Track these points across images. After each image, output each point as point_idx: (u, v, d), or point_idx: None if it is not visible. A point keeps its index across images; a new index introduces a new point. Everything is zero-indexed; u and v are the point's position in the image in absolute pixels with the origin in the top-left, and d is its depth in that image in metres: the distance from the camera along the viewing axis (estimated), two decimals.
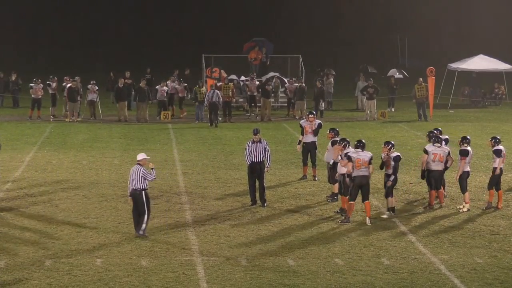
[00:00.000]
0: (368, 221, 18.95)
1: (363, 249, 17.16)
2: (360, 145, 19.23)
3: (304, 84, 38.74)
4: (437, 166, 20.23)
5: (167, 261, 16.14)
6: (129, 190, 17.72)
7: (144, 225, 17.58)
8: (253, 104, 39.35)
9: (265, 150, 20.68)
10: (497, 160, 20.28)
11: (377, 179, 22.86)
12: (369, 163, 19.01)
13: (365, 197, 19.05)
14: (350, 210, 19.09)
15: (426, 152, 20.36)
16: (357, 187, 18.98)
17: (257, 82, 39.39)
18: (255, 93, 39.00)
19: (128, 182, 17.83)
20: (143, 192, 17.53)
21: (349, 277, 15.39)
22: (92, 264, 15.90)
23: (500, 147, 20.51)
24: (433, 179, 20.32)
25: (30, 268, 15.62)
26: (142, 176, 17.42)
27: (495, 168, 20.36)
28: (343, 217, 19.16)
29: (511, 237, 18.18)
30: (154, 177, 17.66)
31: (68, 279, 15.07)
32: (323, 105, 38.88)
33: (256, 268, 15.84)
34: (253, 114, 39.20)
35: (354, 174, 18.98)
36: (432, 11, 70.62)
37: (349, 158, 19.02)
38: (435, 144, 20.32)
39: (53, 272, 15.39)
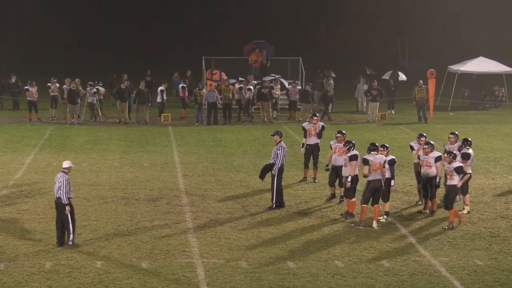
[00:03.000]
0: (375, 224, 18.91)
1: (363, 251, 17.16)
2: (374, 148, 19.09)
3: (309, 87, 38.95)
4: (375, 176, 19.30)
5: (167, 264, 16.15)
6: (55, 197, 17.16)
7: (72, 235, 17.03)
8: (251, 106, 39.36)
9: (274, 153, 20.67)
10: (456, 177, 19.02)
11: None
12: (384, 166, 18.92)
13: (375, 201, 18.92)
14: (363, 213, 18.92)
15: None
16: (371, 190, 18.84)
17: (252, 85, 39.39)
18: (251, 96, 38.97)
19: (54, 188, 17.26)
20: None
21: (349, 279, 15.40)
22: (92, 267, 15.90)
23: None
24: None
25: (30, 270, 15.62)
26: (59, 186, 16.88)
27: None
28: (357, 221, 19.02)
29: (511, 239, 18.17)
30: (66, 200, 16.85)
31: (68, 282, 15.07)
32: (330, 108, 39.18)
33: (256, 270, 15.84)
34: (254, 117, 39.26)
35: (370, 178, 18.80)
36: (432, 13, 70.61)
37: (366, 162, 18.82)
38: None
39: (53, 275, 15.40)
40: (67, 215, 16.95)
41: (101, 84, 38.90)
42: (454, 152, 19.46)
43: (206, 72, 41.34)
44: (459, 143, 20.91)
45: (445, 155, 19.17)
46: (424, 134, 21.36)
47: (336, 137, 21.35)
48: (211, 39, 68.69)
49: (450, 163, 18.91)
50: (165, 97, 38.76)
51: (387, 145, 19.85)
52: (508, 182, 24.22)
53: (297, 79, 42.12)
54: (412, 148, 21.28)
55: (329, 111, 39.07)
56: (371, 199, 18.97)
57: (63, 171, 17.16)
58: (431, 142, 20.40)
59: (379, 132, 34.81)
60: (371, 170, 18.81)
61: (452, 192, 18.95)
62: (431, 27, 69.94)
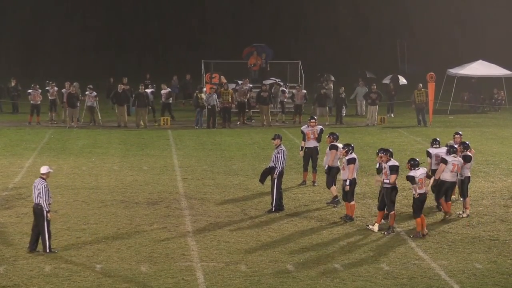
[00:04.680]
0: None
1: (363, 254, 17.16)
2: (415, 163, 18.50)
3: (327, 90, 39.11)
4: (453, 177, 19.87)
5: (167, 267, 16.14)
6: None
7: (47, 242, 16.82)
8: (247, 110, 39.33)
9: (274, 156, 20.67)
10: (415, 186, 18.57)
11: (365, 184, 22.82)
12: (427, 176, 18.67)
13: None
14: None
15: (445, 162, 19.80)
16: (421, 204, 18.49)
17: (248, 87, 39.28)
18: (245, 100, 38.81)
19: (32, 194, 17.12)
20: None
21: (348, 283, 15.39)
22: (92, 270, 15.89)
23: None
24: (450, 190, 19.96)
25: (29, 274, 15.62)
26: (38, 193, 16.74)
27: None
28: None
29: (511, 243, 18.18)
30: (47, 207, 16.69)
31: (68, 285, 15.07)
32: (344, 112, 39.22)
33: (256, 273, 15.83)
34: (253, 120, 39.26)
35: (420, 192, 18.32)
36: (431, 16, 70.64)
37: (413, 179, 18.17)
38: (452, 154, 19.91)
39: (53, 278, 15.39)
40: (44, 222, 16.78)
41: (54, 84, 38.52)
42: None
43: (205, 75, 41.34)
44: (445, 147, 20.85)
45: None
46: (438, 139, 21.35)
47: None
48: (211, 42, 68.69)
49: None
50: (169, 100, 38.98)
51: (390, 150, 19.62)
52: (507, 185, 24.23)
53: (296, 83, 42.08)
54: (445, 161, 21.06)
55: (343, 114, 39.20)
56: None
57: (41, 177, 17.02)
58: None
59: (378, 135, 34.81)
60: (418, 187, 18.41)
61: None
62: (430, 30, 69.94)
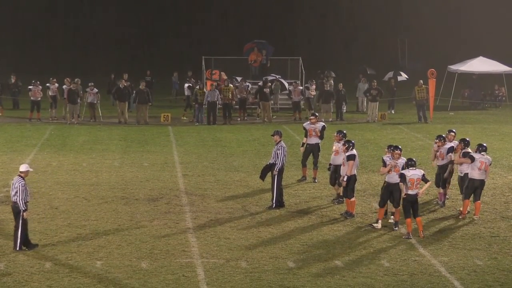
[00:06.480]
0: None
1: (363, 251, 17.17)
2: (411, 163, 18.26)
3: (330, 87, 39.18)
4: (481, 175, 19.71)
5: (167, 263, 16.15)
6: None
7: (19, 240, 16.73)
8: (256, 107, 39.39)
9: (274, 153, 20.66)
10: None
11: (364, 180, 22.80)
12: (423, 179, 18.22)
13: (415, 214, 18.29)
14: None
15: (472, 158, 19.63)
16: (409, 204, 18.23)
17: (247, 84, 39.30)
18: (245, 96, 38.80)
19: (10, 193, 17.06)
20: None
21: (349, 279, 15.41)
22: (92, 266, 15.90)
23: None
24: (479, 189, 19.75)
25: (30, 270, 15.63)
26: (16, 191, 16.63)
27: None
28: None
29: (511, 239, 18.19)
30: (23, 206, 16.59)
31: (68, 281, 15.08)
32: (345, 108, 39.24)
33: (256, 270, 15.84)
34: (254, 116, 39.29)
35: (408, 192, 18.09)
36: (432, 13, 70.63)
37: (403, 177, 18.04)
38: (481, 153, 19.74)
39: (53, 274, 15.40)
40: (20, 220, 16.69)
41: (55, 80, 38.40)
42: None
43: (206, 72, 41.34)
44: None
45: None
46: (443, 135, 21.31)
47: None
48: (212, 39, 68.68)
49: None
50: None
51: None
52: (507, 182, 24.23)
53: (297, 79, 42.09)
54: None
55: (343, 111, 39.22)
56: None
57: (19, 175, 16.89)
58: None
59: (379, 132, 34.81)
60: (407, 187, 18.05)
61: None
62: (431, 26, 69.93)
